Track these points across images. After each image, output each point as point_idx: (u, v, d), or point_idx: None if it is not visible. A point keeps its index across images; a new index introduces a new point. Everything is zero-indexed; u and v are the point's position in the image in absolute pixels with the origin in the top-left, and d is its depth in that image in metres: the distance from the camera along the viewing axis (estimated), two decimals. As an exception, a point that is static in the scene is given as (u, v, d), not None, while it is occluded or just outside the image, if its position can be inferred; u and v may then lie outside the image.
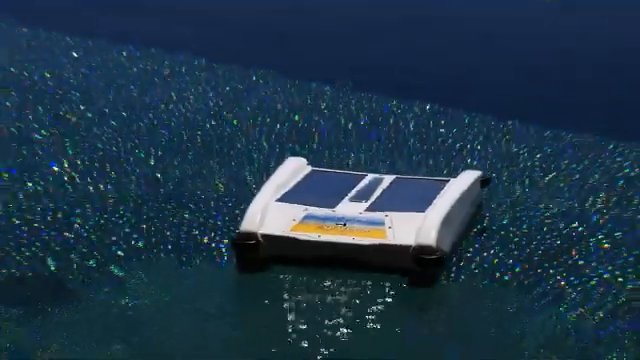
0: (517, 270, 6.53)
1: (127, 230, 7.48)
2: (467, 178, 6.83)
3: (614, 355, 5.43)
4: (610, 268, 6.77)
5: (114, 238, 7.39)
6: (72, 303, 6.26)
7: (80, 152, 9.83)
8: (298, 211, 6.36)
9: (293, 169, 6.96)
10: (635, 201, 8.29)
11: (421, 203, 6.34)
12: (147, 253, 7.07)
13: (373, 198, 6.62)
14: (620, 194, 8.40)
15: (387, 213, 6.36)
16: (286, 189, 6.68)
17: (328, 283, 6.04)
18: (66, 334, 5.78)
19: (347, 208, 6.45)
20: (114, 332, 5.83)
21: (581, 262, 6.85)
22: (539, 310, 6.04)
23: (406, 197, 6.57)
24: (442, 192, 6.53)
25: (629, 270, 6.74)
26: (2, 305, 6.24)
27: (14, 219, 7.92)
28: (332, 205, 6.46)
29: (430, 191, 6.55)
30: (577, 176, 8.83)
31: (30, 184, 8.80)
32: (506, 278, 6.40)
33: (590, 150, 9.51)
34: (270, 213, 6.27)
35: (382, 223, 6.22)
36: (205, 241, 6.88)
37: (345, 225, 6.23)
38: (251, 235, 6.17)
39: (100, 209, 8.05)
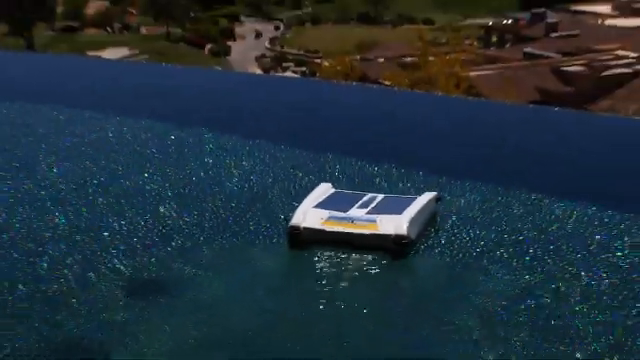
0: (456, 251, 8.37)
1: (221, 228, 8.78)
2: (427, 196, 9.06)
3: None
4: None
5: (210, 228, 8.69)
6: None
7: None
8: (325, 214, 8.61)
9: (323, 190, 9.24)
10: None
11: (399, 210, 8.59)
12: (230, 238, 8.49)
13: (370, 207, 8.80)
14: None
15: (378, 216, 8.55)
16: (318, 201, 8.89)
17: (344, 256, 8.07)
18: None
19: (354, 212, 8.65)
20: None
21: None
22: (469, 274, 7.86)
23: (390, 207, 8.77)
24: (412, 204, 8.74)
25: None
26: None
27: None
28: (345, 210, 8.69)
29: (404, 203, 8.77)
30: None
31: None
32: (449, 254, 8.35)
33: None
34: (308, 214, 8.53)
35: (375, 221, 8.46)
36: (271, 231, 8.78)
37: (353, 222, 8.42)
38: (297, 227, 8.34)
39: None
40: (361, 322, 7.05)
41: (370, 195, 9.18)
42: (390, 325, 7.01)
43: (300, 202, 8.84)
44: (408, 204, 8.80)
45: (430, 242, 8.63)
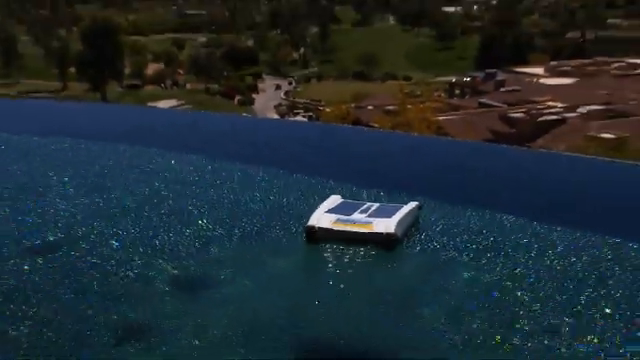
0: (432, 246, 8.51)
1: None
2: (411, 205, 9.09)
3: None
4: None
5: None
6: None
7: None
8: (334, 217, 8.66)
9: (333, 199, 9.24)
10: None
11: (389, 214, 8.65)
12: (258, 242, 8.51)
13: (368, 212, 8.83)
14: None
15: (374, 219, 8.61)
16: (329, 208, 8.94)
17: (347, 249, 8.25)
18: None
19: (356, 216, 8.71)
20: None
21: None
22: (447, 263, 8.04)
23: (383, 212, 8.79)
24: (399, 210, 8.79)
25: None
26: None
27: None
28: (349, 215, 8.75)
29: (394, 210, 8.81)
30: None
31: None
32: (427, 248, 8.49)
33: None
34: (321, 218, 8.61)
35: (371, 222, 8.54)
36: (289, 235, 8.79)
37: (354, 223, 8.52)
38: (313, 227, 8.45)
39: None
40: (358, 298, 7.27)
41: (369, 204, 9.26)
42: (380, 301, 7.18)
43: (314, 209, 8.90)
44: (397, 210, 8.88)
45: (413, 239, 8.74)
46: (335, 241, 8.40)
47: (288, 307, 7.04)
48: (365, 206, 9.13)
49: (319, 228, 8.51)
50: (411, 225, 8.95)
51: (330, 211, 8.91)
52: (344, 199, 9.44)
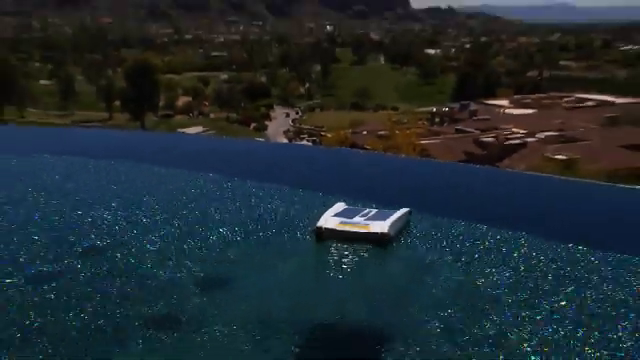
0: (420, 245, 8.58)
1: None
2: (403, 210, 9.08)
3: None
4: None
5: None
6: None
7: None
8: (338, 220, 8.68)
9: (338, 206, 9.23)
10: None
11: (384, 218, 8.64)
12: (271, 243, 8.50)
13: (367, 216, 8.82)
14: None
15: (371, 221, 8.61)
16: (335, 212, 8.95)
17: (349, 246, 8.31)
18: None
19: (357, 219, 8.70)
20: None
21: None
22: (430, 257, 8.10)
23: (379, 216, 8.77)
24: (393, 214, 8.78)
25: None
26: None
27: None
28: (351, 218, 8.76)
29: (388, 214, 8.79)
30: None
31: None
32: (415, 246, 8.57)
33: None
34: (328, 220, 8.62)
35: (369, 224, 8.54)
36: (298, 238, 8.80)
37: (355, 224, 8.54)
38: (321, 228, 8.48)
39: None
40: (357, 285, 7.41)
41: (368, 209, 9.25)
42: (375, 287, 7.33)
43: (322, 214, 8.93)
44: (391, 214, 8.88)
45: (403, 238, 8.74)
46: (339, 239, 8.42)
47: (302, 289, 7.24)
48: (365, 211, 9.12)
49: (325, 229, 8.52)
50: (403, 227, 8.93)
51: (335, 215, 8.93)
52: (347, 205, 9.44)
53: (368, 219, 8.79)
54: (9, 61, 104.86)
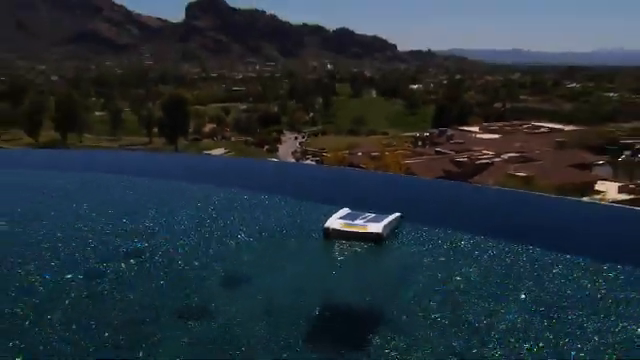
0: (409, 244, 8.50)
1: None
2: (396, 214, 8.93)
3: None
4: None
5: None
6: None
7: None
8: (342, 221, 8.59)
9: (343, 211, 9.08)
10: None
11: (380, 221, 8.56)
12: (282, 245, 8.37)
13: (366, 219, 8.71)
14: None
15: (369, 223, 8.52)
16: (340, 216, 8.83)
17: (350, 243, 8.25)
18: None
19: (357, 221, 8.59)
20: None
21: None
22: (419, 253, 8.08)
23: (376, 219, 8.65)
24: (387, 218, 8.66)
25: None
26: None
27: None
28: (353, 220, 8.66)
29: (383, 218, 8.68)
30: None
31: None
32: (405, 245, 8.50)
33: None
34: (334, 222, 8.53)
35: (366, 225, 8.47)
36: (307, 239, 8.68)
37: (356, 225, 8.43)
38: (328, 228, 8.36)
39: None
40: (356, 277, 7.41)
41: (367, 214, 9.16)
42: (370, 277, 7.35)
43: (329, 218, 8.84)
44: (385, 218, 8.82)
45: (395, 238, 8.69)
46: (342, 238, 8.41)
47: (313, 278, 7.25)
48: (365, 215, 9.07)
49: (332, 229, 8.49)
50: (395, 228, 8.88)
51: (340, 218, 8.90)
52: (350, 210, 9.39)
53: (366, 221, 8.75)
54: (72, 96, 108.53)
